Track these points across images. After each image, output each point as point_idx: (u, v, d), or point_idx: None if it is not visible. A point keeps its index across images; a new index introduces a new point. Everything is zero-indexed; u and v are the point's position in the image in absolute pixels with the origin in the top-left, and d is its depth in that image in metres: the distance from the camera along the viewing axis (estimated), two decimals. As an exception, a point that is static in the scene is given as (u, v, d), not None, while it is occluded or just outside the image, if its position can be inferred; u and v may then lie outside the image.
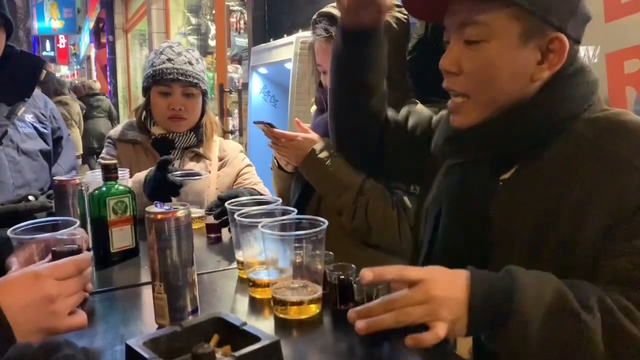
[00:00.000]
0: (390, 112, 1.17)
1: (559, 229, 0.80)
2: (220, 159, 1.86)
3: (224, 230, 1.47)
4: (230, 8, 4.94)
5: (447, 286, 0.74)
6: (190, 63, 1.78)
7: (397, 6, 1.39)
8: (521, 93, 0.86)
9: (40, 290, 0.73)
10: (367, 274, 0.76)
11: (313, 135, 1.47)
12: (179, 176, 1.50)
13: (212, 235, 1.47)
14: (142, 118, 1.83)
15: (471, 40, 0.85)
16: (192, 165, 1.78)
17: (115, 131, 1.89)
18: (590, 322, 0.72)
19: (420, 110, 1.22)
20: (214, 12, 5.12)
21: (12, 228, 0.90)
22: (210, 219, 1.45)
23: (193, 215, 1.06)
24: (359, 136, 1.16)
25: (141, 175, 1.58)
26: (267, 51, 2.60)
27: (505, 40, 0.83)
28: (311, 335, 0.89)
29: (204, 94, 1.84)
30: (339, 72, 1.13)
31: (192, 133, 1.82)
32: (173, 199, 1.48)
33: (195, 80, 1.77)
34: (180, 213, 0.84)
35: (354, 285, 0.93)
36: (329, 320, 0.93)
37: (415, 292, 0.73)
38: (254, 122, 1.58)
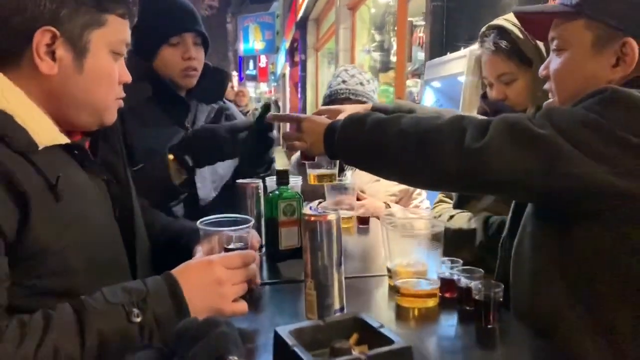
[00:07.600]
0: None
1: None
2: None
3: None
4: (414, 23, 4.99)
5: (317, 124, 1.14)
6: (361, 84, 1.97)
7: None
8: None
9: (212, 274, 0.87)
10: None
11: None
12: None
13: (361, 226, 1.67)
14: None
15: (555, 49, 1.03)
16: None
17: (295, 156, 2.17)
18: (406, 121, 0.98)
19: None
20: (396, 28, 5.24)
21: (199, 220, 1.06)
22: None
23: (343, 217, 1.16)
24: None
25: None
26: (440, 65, 2.60)
27: (579, 48, 0.98)
28: (451, 348, 0.90)
29: None
30: None
31: None
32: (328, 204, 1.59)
33: (365, 99, 1.94)
34: (331, 217, 0.91)
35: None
36: (472, 337, 0.92)
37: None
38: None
